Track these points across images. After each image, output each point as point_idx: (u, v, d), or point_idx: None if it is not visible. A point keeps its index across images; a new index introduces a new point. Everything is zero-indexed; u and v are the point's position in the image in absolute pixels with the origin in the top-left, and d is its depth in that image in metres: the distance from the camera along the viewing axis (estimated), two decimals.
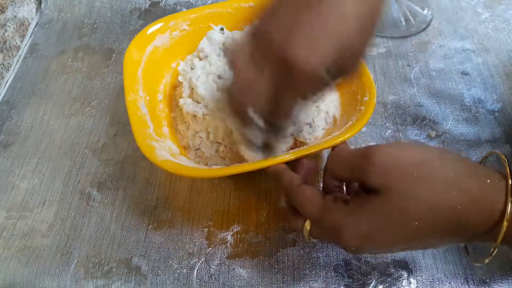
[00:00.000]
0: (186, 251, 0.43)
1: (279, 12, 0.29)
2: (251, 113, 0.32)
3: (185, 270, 0.42)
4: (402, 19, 0.62)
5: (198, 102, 0.46)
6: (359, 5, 0.28)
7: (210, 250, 0.43)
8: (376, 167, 0.29)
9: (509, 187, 0.27)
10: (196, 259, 0.43)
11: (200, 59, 0.49)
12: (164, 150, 0.43)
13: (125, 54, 0.48)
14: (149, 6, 0.69)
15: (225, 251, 0.43)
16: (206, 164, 0.46)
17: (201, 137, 0.46)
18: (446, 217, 0.28)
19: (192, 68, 0.49)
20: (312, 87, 0.31)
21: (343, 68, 0.31)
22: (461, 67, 0.57)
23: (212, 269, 0.42)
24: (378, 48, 0.59)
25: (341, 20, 0.28)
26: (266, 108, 0.32)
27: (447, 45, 0.59)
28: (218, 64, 0.48)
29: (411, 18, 0.62)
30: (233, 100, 0.33)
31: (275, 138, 0.38)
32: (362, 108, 0.42)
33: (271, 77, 0.30)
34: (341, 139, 0.39)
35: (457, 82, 0.55)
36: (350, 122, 0.43)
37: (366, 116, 0.41)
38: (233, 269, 0.42)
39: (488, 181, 0.28)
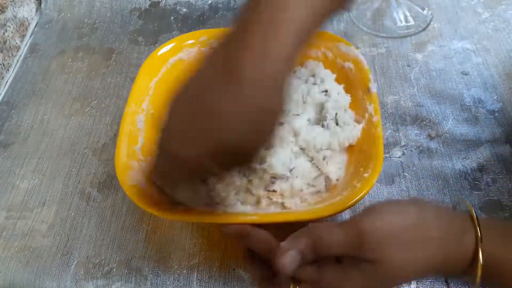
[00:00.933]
0: (186, 251, 0.43)
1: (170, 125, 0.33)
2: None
3: (185, 270, 0.42)
4: (402, 19, 0.62)
5: None
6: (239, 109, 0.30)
7: (210, 250, 0.43)
8: (369, 244, 0.30)
9: (478, 237, 0.30)
10: (196, 260, 0.43)
11: None
12: (140, 172, 0.41)
13: (144, 62, 0.47)
14: (149, 6, 0.69)
15: (225, 251, 0.43)
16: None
17: None
18: (429, 269, 0.31)
19: None
20: (200, 173, 0.34)
21: (233, 160, 0.32)
22: (461, 67, 0.56)
23: (212, 269, 0.42)
24: (378, 48, 0.59)
25: (220, 121, 0.30)
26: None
27: (447, 45, 0.59)
28: None
29: (411, 18, 0.62)
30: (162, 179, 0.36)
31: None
32: (358, 185, 0.38)
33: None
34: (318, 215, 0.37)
35: (457, 82, 0.55)
36: (341, 195, 0.39)
37: (356, 198, 0.37)
38: (233, 269, 0.42)
39: (463, 231, 0.31)
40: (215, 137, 0.30)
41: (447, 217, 0.32)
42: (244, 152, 0.32)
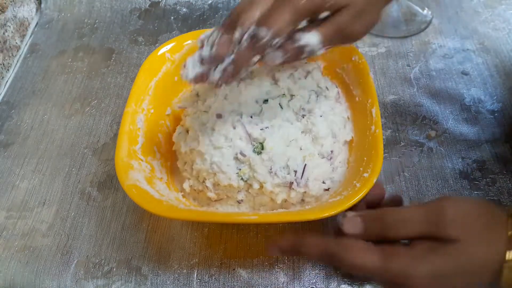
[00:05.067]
0: (186, 251, 0.43)
1: None
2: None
3: (185, 270, 0.42)
4: (402, 19, 0.62)
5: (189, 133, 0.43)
6: None
7: (210, 250, 0.43)
8: (453, 221, 0.31)
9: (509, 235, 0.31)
10: (196, 259, 0.43)
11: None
12: (141, 172, 0.41)
13: (144, 62, 0.47)
14: (149, 6, 0.69)
15: (225, 251, 0.43)
16: (183, 196, 0.44)
17: (185, 169, 0.44)
18: (495, 267, 0.31)
19: (197, 95, 0.46)
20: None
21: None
22: (461, 67, 0.57)
23: (212, 269, 0.42)
24: (378, 48, 0.59)
25: None
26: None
27: (447, 45, 0.59)
28: (220, 100, 0.43)
29: (411, 18, 0.62)
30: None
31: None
32: (358, 185, 0.38)
33: None
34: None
35: (457, 82, 0.55)
36: (341, 195, 0.39)
37: (355, 198, 0.36)
38: (233, 269, 0.42)
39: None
40: None
41: (503, 213, 0.33)
42: None
